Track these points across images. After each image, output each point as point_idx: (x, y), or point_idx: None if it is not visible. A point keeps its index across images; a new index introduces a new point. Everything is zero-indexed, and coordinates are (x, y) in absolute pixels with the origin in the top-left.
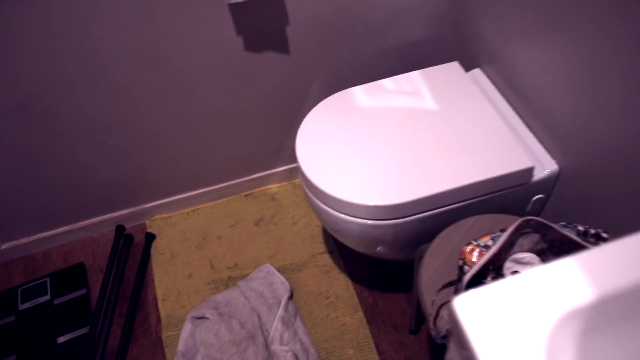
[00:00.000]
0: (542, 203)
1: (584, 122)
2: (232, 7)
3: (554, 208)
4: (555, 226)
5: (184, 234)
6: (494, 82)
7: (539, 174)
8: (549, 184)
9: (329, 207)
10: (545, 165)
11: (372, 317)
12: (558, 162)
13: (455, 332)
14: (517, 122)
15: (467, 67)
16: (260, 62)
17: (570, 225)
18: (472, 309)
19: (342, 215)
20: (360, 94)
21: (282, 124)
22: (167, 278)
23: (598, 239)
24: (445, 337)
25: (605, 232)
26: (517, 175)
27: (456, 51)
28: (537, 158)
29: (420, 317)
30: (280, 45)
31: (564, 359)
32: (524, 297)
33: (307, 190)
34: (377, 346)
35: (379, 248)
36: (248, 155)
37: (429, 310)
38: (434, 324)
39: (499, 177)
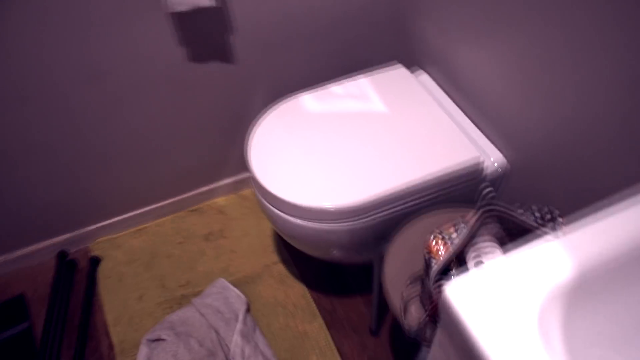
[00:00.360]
0: (491, 197)
1: (525, 117)
2: (174, 16)
3: (503, 201)
4: (514, 212)
5: (130, 255)
6: (439, 82)
7: (488, 167)
8: (498, 176)
9: (285, 213)
10: (493, 159)
11: (332, 323)
12: (505, 156)
13: (448, 320)
14: (464, 120)
15: (412, 68)
16: (203, 73)
17: (528, 210)
18: (463, 295)
19: (299, 221)
20: (309, 101)
21: (226, 135)
22: (116, 302)
23: (554, 223)
24: (417, 331)
25: (559, 214)
26: (468, 169)
27: (400, 52)
28: (485, 152)
29: (380, 318)
30: (224, 55)
31: (554, 333)
32: (511, 278)
33: (261, 199)
34: (340, 350)
35: (335, 252)
36: (192, 169)
37: (398, 307)
38: (404, 319)
39: (450, 172)
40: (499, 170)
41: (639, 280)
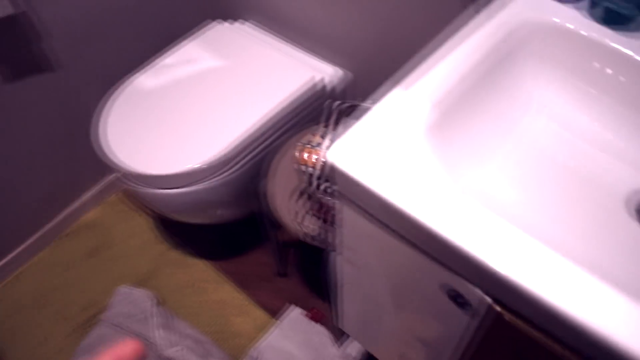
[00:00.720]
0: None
1: (352, 34)
2: None
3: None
4: (362, 103)
5: (17, 303)
6: (263, 27)
7: (329, 84)
8: (341, 89)
9: (165, 188)
10: (334, 75)
11: (242, 282)
12: (343, 69)
13: (341, 184)
14: (295, 52)
15: (228, 21)
16: (24, 91)
17: (369, 101)
18: (348, 154)
19: (180, 190)
20: (144, 79)
21: (71, 146)
22: (20, 355)
23: None
24: (318, 239)
25: None
26: (309, 89)
27: (214, 9)
28: (324, 72)
29: (283, 259)
30: (39, 63)
31: (440, 149)
32: (386, 121)
33: (137, 187)
34: (259, 303)
35: (221, 210)
36: (49, 194)
37: (296, 222)
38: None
39: (295, 97)
40: (340, 83)
41: (471, 98)
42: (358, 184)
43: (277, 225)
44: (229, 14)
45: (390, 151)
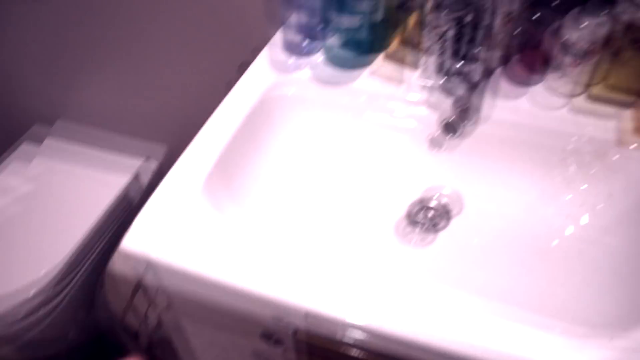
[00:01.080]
0: None
1: (162, 113)
2: None
3: None
4: None
5: None
6: (75, 128)
7: (147, 173)
8: (158, 177)
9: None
10: (150, 164)
11: None
12: (154, 157)
13: (146, 269)
14: (108, 154)
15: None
16: None
17: None
18: (141, 236)
19: (24, 321)
20: None
21: None
22: None
23: None
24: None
25: None
26: (126, 191)
27: (20, 126)
28: (138, 163)
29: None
30: None
31: (217, 199)
32: (168, 193)
33: None
34: None
35: (72, 330)
36: None
37: (140, 320)
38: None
39: (108, 209)
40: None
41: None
42: (155, 262)
43: (129, 332)
44: (37, 123)
45: (175, 219)
